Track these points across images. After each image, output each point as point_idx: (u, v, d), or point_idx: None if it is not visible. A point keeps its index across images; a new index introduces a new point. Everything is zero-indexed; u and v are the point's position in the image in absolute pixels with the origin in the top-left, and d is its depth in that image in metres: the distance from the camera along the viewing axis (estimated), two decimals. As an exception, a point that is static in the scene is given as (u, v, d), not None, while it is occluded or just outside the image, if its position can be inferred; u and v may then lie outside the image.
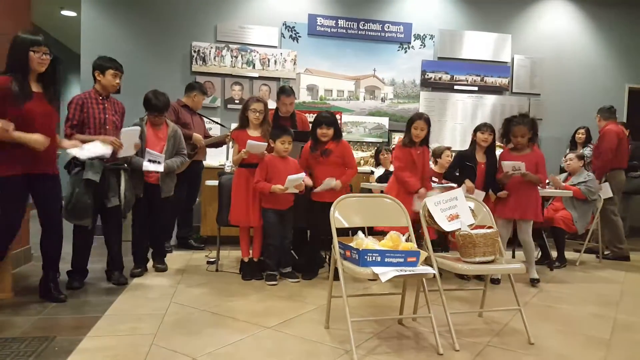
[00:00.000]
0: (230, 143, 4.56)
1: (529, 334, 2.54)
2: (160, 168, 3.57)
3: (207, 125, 4.95)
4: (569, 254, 4.71)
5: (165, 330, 2.54)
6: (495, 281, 3.72)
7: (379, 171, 4.91)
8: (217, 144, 4.76)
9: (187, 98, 4.59)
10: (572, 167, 4.78)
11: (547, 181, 4.20)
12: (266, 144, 3.55)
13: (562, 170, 4.98)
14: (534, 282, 3.75)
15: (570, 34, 6.51)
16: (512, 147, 3.84)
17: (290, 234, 3.70)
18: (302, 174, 3.50)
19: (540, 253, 4.56)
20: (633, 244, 5.80)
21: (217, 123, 5.21)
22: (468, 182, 3.73)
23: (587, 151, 5.70)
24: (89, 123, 3.26)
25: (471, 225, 2.68)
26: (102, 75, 3.35)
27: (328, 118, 3.68)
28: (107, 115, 3.34)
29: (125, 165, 3.43)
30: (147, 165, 3.50)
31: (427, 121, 3.68)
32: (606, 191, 4.96)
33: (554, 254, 4.54)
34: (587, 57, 6.56)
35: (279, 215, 3.60)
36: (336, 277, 2.43)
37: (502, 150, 3.98)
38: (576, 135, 5.88)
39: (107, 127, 3.32)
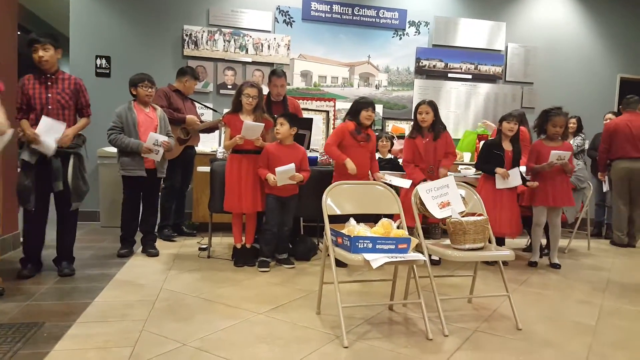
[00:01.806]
0: (223, 128, 4.53)
1: (517, 319, 2.58)
2: (157, 157, 3.62)
3: (199, 111, 4.90)
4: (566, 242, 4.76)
5: (156, 316, 2.54)
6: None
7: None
8: (210, 129, 4.71)
9: (178, 83, 4.54)
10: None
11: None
12: (262, 125, 3.51)
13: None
14: (555, 266, 3.97)
15: (563, 24, 6.49)
16: (545, 138, 3.99)
17: (290, 222, 3.70)
18: (292, 165, 3.45)
19: (529, 241, 4.61)
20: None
21: (209, 108, 5.17)
22: (499, 170, 3.83)
23: (578, 140, 5.73)
24: (34, 104, 3.10)
25: (462, 212, 2.69)
26: (35, 52, 3.10)
27: (370, 101, 3.74)
28: (49, 94, 3.12)
29: (79, 150, 3.23)
30: (150, 146, 3.55)
31: (432, 105, 3.76)
32: (606, 182, 5.13)
33: (543, 241, 4.59)
34: (580, 47, 6.56)
35: (280, 202, 3.59)
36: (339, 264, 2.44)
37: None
38: (567, 124, 5.90)
39: (50, 106, 3.11)
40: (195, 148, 4.72)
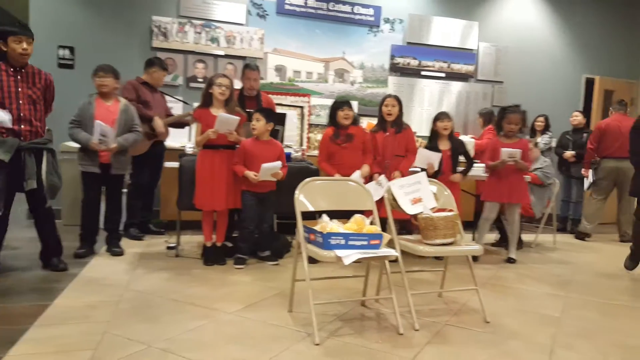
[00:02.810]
0: (194, 124, 4.42)
1: (485, 312, 2.62)
2: (109, 143, 3.44)
3: (170, 104, 4.78)
4: (532, 237, 4.87)
5: (120, 317, 2.45)
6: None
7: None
8: (180, 123, 4.58)
9: (146, 75, 4.39)
10: (534, 155, 4.91)
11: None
12: (238, 118, 3.44)
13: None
14: (510, 261, 4.00)
15: (533, 25, 6.62)
16: (502, 135, 4.03)
17: (270, 219, 3.65)
18: (278, 163, 3.41)
19: (498, 236, 4.70)
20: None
21: (180, 100, 5.01)
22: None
23: (546, 138, 5.86)
24: (1, 98, 2.95)
25: (433, 208, 2.70)
26: (5, 44, 2.98)
27: (347, 100, 3.76)
28: (19, 89, 3.00)
29: (50, 144, 3.14)
30: (96, 140, 3.37)
31: (398, 98, 3.80)
32: (590, 179, 5.31)
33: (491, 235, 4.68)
34: (548, 48, 6.71)
35: (257, 198, 3.52)
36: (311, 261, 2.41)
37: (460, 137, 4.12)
38: (535, 122, 6.03)
39: (20, 101, 3.00)
40: (165, 143, 4.59)
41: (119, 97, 3.68)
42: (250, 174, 3.40)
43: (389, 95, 3.84)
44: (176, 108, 5.07)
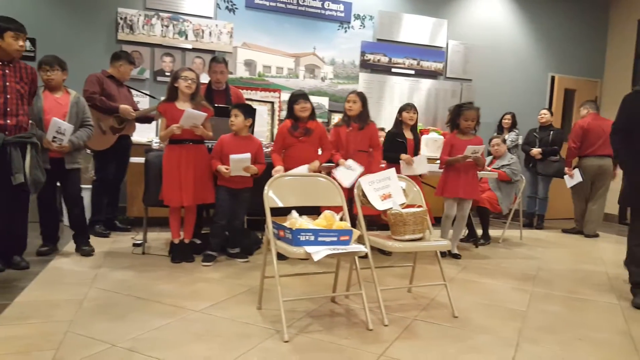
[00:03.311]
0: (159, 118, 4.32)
1: (453, 307, 2.65)
2: (64, 141, 3.34)
3: (137, 99, 4.65)
4: (500, 232, 4.97)
5: (84, 316, 2.37)
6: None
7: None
8: (146, 118, 4.47)
9: (112, 68, 4.27)
10: (501, 152, 5.02)
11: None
12: (205, 114, 3.38)
13: (488, 153, 5.23)
14: (456, 257, 4.04)
15: (501, 23, 6.76)
16: (457, 132, 4.05)
17: (242, 215, 3.58)
18: (247, 155, 3.36)
19: (467, 231, 4.77)
20: (552, 224, 6.25)
21: (148, 95, 4.90)
22: (404, 156, 3.99)
23: (513, 135, 6.00)
24: None
25: (402, 204, 2.72)
26: (1, 39, 2.94)
27: (304, 93, 3.72)
28: (7, 83, 2.95)
29: (34, 138, 3.08)
30: (51, 138, 3.27)
31: (360, 95, 3.79)
32: (576, 177, 5.41)
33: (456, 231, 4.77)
34: (516, 46, 6.86)
35: (231, 194, 3.47)
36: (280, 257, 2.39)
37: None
38: (503, 120, 6.17)
39: (8, 95, 2.95)
40: (131, 138, 4.48)
41: (68, 89, 3.54)
42: (222, 167, 3.35)
43: (353, 91, 3.86)
44: (143, 102, 4.95)
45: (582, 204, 5.60)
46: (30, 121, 3.15)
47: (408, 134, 4.11)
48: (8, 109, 2.94)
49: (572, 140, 5.49)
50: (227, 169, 3.35)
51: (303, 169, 3.51)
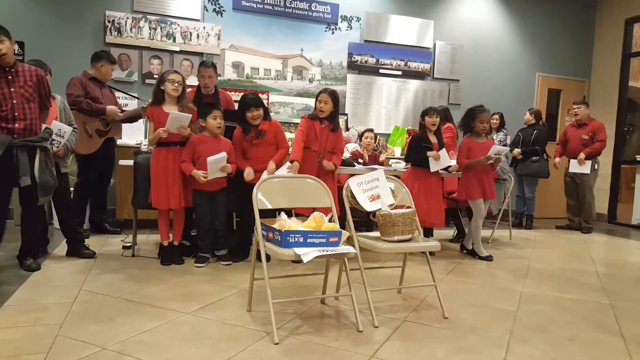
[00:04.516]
0: (147, 122, 4.30)
1: (443, 308, 2.66)
2: (60, 147, 3.36)
3: (123, 101, 4.62)
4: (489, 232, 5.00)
5: (73, 319, 2.36)
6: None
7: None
8: (132, 118, 4.41)
9: (94, 69, 4.22)
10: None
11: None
12: (190, 115, 3.37)
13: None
14: (488, 259, 4.10)
15: (488, 23, 6.81)
16: (471, 135, 4.12)
17: (222, 216, 3.57)
18: (223, 154, 3.36)
19: (456, 231, 4.81)
20: (543, 224, 6.32)
21: (133, 96, 4.86)
22: (431, 152, 3.97)
23: (501, 136, 6.06)
24: None
25: (391, 205, 2.74)
26: None
27: (255, 99, 3.59)
28: (12, 89, 2.97)
29: (44, 143, 3.08)
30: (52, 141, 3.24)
31: (332, 95, 3.65)
32: (585, 168, 5.63)
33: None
34: (503, 46, 6.92)
35: (208, 196, 3.47)
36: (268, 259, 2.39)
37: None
38: (491, 120, 6.22)
39: (14, 100, 2.97)
40: (117, 140, 4.44)
41: (53, 94, 3.49)
42: (199, 173, 3.33)
43: (325, 90, 3.66)
44: (132, 105, 4.92)
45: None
46: (45, 126, 3.16)
47: (432, 138, 4.06)
48: (16, 114, 2.96)
49: (601, 138, 5.70)
50: (204, 174, 3.32)
51: (264, 175, 3.38)
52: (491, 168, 4.10)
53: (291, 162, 3.51)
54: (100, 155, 4.17)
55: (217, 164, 3.32)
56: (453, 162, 4.16)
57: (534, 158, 5.84)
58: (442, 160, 3.99)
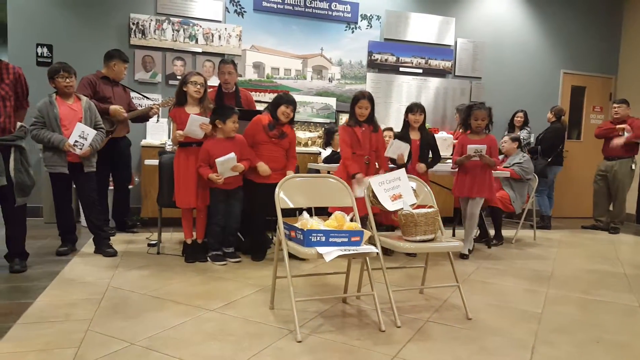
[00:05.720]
0: (170, 124, 4.35)
1: (467, 309, 2.64)
2: (80, 152, 3.42)
3: (139, 101, 4.66)
4: (512, 232, 4.95)
5: (102, 315, 2.43)
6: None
7: (326, 152, 4.91)
8: (141, 117, 4.42)
9: (106, 69, 4.24)
10: (507, 149, 5.01)
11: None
12: (207, 119, 3.43)
13: (500, 152, 5.20)
14: (463, 257, 4.03)
15: (510, 19, 6.71)
16: (469, 132, 4.09)
17: (237, 215, 3.61)
18: (232, 155, 3.37)
19: (479, 231, 4.76)
20: (565, 224, 6.21)
21: (143, 95, 4.86)
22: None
23: (524, 134, 5.97)
24: None
25: (413, 204, 2.73)
26: None
27: (292, 99, 3.65)
28: None
29: (19, 142, 3.04)
30: (72, 142, 3.34)
31: (371, 99, 3.68)
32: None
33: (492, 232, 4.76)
34: (526, 42, 6.80)
35: (225, 194, 3.51)
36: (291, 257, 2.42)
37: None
38: (515, 118, 6.13)
39: None
40: (129, 138, 4.44)
41: (78, 95, 3.59)
42: (213, 176, 3.37)
43: (363, 96, 3.64)
44: (149, 104, 4.98)
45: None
46: (20, 124, 3.11)
47: (415, 135, 3.99)
48: None
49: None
50: (217, 176, 3.37)
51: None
52: (485, 166, 3.97)
53: (353, 177, 3.51)
54: (107, 155, 4.11)
55: (226, 164, 3.37)
56: (401, 153, 3.88)
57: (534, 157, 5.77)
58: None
